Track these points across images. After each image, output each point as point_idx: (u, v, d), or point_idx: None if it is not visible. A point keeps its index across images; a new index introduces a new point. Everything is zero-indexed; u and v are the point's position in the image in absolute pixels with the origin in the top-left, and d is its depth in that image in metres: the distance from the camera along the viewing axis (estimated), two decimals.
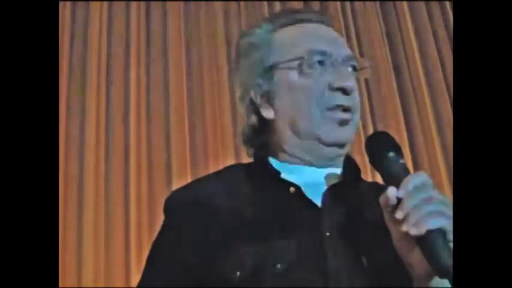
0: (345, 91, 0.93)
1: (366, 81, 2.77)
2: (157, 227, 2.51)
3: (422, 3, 3.01)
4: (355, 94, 0.96)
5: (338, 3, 2.92)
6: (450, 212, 0.72)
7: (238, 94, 1.02)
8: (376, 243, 0.82)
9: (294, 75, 0.95)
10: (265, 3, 2.86)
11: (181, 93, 2.56)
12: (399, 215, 0.73)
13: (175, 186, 1.06)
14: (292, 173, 0.94)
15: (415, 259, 0.74)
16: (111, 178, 2.38)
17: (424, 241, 0.71)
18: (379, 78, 2.78)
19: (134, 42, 2.64)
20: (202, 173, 1.10)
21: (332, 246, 0.84)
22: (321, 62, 0.94)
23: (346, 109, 0.94)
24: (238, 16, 2.83)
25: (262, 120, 0.99)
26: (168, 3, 2.75)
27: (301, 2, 2.88)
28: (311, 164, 0.97)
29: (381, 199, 0.76)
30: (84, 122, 2.46)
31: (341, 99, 0.93)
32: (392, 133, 2.85)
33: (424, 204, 0.72)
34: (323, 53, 0.95)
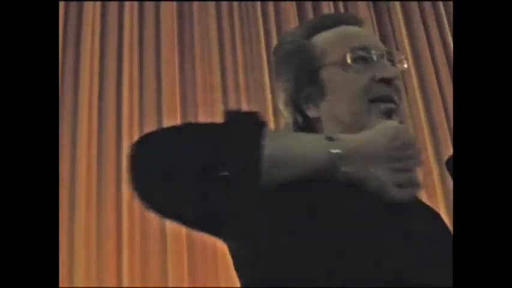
0: (388, 82, 0.97)
1: None
2: (150, 229, 2.49)
3: (415, 4, 3.03)
4: (399, 84, 0.99)
5: (331, 4, 2.93)
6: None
7: (281, 99, 1.06)
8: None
9: (338, 72, 0.99)
10: (258, 3, 2.86)
11: (174, 94, 2.56)
12: None
13: None
14: None
15: None
16: (103, 179, 2.37)
17: None
18: None
19: (127, 42, 2.63)
20: None
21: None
22: (363, 57, 0.99)
23: (390, 99, 0.97)
24: (230, 16, 2.83)
25: (306, 120, 1.03)
26: (162, 3, 2.75)
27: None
28: None
29: None
30: (77, 122, 2.45)
31: (384, 89, 0.97)
32: None
33: None
34: (364, 49, 0.99)
